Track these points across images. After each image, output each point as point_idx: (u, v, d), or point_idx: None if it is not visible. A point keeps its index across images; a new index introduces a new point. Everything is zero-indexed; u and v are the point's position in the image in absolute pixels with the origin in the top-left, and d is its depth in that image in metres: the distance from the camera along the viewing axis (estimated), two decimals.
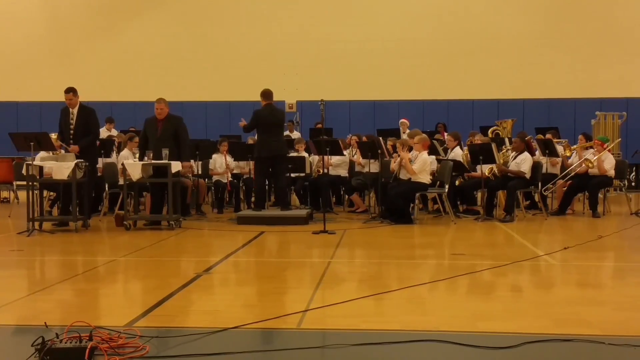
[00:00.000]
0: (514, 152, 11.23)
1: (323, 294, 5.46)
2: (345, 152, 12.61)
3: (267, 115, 10.72)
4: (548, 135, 12.91)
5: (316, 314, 4.75)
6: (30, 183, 9.44)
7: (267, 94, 10.84)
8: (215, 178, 12.48)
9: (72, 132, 10.00)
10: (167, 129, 10.20)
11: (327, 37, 19.88)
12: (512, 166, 10.99)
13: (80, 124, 10.01)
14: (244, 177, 12.66)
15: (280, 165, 10.81)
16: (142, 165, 9.78)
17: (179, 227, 9.88)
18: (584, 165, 11.37)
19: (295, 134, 16.27)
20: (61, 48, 20.55)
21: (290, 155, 11.89)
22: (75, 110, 10.06)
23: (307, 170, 12.57)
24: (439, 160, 11.58)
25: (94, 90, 19.32)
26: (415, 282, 5.86)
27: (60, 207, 10.36)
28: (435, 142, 12.62)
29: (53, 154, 9.97)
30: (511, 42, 19.45)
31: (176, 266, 7.16)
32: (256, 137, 11.51)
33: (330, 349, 3.96)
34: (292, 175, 12.02)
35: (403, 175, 10.72)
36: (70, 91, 10.06)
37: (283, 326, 4.45)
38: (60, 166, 9.32)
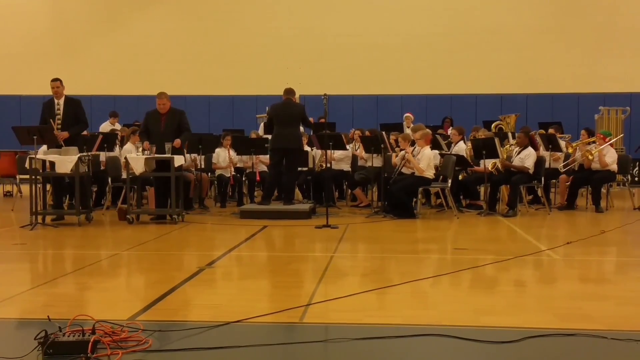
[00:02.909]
0: (517, 147, 11.22)
1: (326, 288, 5.47)
2: (348, 147, 12.60)
3: (282, 108, 10.87)
4: (551, 130, 12.89)
5: (319, 308, 4.75)
6: (33, 177, 9.45)
7: (287, 90, 11.06)
8: (218, 172, 12.47)
9: (59, 122, 9.94)
10: (171, 124, 10.20)
11: (331, 31, 19.84)
12: (516, 161, 10.98)
13: (69, 116, 9.96)
14: (247, 171, 12.66)
15: (291, 159, 10.82)
16: (145, 159, 9.78)
17: (182, 221, 9.89)
18: (584, 158, 11.35)
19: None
20: (64, 42, 20.54)
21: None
22: (61, 101, 10.03)
23: (310, 165, 12.58)
24: (442, 155, 11.56)
25: (97, 84, 19.39)
26: (417, 276, 5.86)
27: (53, 201, 10.35)
28: (438, 136, 12.61)
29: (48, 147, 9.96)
30: (514, 37, 19.40)
31: (179, 260, 7.17)
32: (259, 131, 11.62)
33: (333, 343, 3.96)
34: None
35: (406, 170, 10.72)
36: (58, 80, 10.08)
37: (286, 320, 4.46)
38: (63, 160, 9.33)
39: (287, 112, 10.80)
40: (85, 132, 11.04)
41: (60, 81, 10.09)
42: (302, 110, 11.11)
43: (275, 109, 11.00)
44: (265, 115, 12.29)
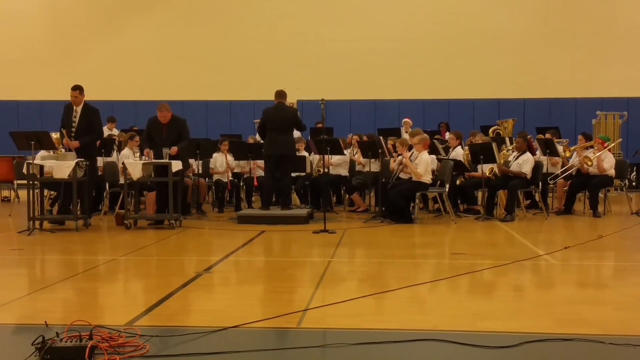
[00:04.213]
0: (515, 152, 11.22)
1: (323, 293, 5.47)
2: (345, 152, 12.61)
3: (275, 113, 10.76)
4: (548, 135, 12.91)
5: (316, 313, 4.75)
6: (30, 182, 9.44)
7: (279, 93, 10.94)
8: (215, 177, 12.48)
9: (74, 130, 9.98)
10: (172, 133, 10.29)
11: (328, 36, 19.87)
12: (514, 166, 10.98)
13: (84, 123, 10.01)
14: (245, 176, 12.66)
15: (285, 165, 10.80)
16: (143, 164, 9.79)
17: (180, 226, 9.89)
18: (583, 164, 11.36)
19: (296, 133, 16.27)
20: (62, 47, 20.54)
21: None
22: (79, 109, 10.05)
23: (308, 170, 12.57)
24: (439, 160, 11.57)
25: (95, 89, 19.18)
26: (415, 281, 5.86)
27: (59, 206, 10.37)
28: (435, 141, 12.62)
29: (54, 152, 9.96)
30: (512, 41, 19.44)
31: (177, 265, 7.16)
32: (256, 136, 11.62)
33: (331, 348, 3.96)
34: (293, 174, 12.00)
35: (403, 175, 10.72)
36: (77, 89, 10.07)
37: (283, 325, 4.45)
38: (60, 165, 9.32)
39: (280, 116, 10.71)
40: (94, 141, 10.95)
41: (80, 90, 10.06)
42: (295, 113, 11.08)
43: (268, 114, 10.86)
44: None
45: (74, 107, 10.06)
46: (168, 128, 10.31)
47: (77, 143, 9.84)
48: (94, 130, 10.16)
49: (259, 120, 11.22)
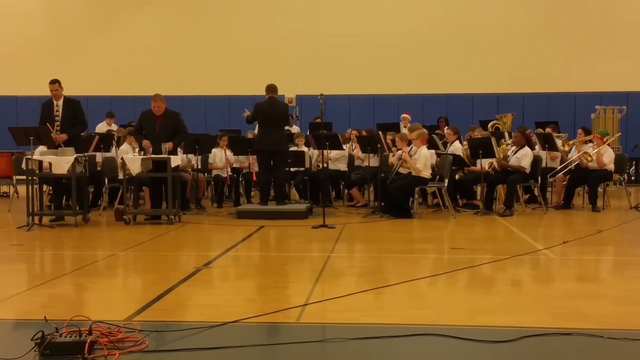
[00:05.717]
0: (514, 147, 11.22)
1: (322, 288, 5.47)
2: (344, 147, 12.60)
3: (267, 109, 10.73)
4: (548, 130, 12.91)
5: (316, 308, 4.76)
6: (29, 177, 9.44)
7: (270, 88, 10.87)
8: (214, 172, 12.47)
9: (58, 124, 9.91)
10: (166, 126, 10.18)
11: (327, 31, 19.85)
12: (513, 161, 10.98)
13: (68, 116, 9.93)
14: (244, 171, 12.66)
15: (278, 160, 10.79)
16: (142, 159, 9.77)
17: (179, 222, 9.89)
18: (582, 159, 11.37)
19: (295, 128, 16.28)
20: (60, 42, 20.52)
21: (290, 149, 11.86)
22: (60, 102, 9.99)
23: (307, 165, 12.57)
24: (438, 155, 11.57)
25: (94, 85, 19.35)
26: (414, 276, 5.87)
27: (53, 202, 10.34)
28: (434, 136, 12.61)
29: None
30: (511, 36, 19.42)
31: (176, 260, 7.17)
32: (256, 131, 11.61)
33: (330, 343, 3.96)
34: (292, 169, 12.01)
35: (403, 170, 10.72)
36: (56, 82, 10.02)
37: (282, 320, 4.46)
38: (60, 160, 9.31)
39: (272, 112, 10.67)
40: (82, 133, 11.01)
41: (59, 83, 10.03)
42: (287, 109, 11.05)
43: (260, 109, 10.81)
44: None
45: (55, 102, 9.99)
46: (161, 122, 10.18)
47: (65, 136, 9.80)
48: (79, 122, 10.11)
49: (247, 114, 11.15)
